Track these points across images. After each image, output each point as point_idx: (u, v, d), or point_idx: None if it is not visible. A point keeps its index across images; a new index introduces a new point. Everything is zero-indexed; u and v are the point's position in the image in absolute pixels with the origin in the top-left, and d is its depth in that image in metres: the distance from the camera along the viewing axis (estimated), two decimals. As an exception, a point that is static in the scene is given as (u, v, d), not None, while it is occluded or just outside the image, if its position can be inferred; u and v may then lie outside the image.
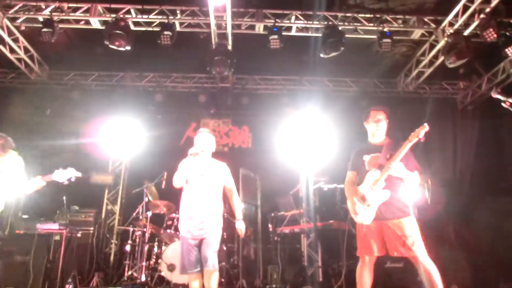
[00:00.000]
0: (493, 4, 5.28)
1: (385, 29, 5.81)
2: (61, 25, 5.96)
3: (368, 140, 3.73)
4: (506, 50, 5.69)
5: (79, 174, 3.75)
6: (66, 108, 7.15)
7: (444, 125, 7.59)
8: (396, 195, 3.40)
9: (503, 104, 3.11)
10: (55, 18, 5.82)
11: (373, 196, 3.38)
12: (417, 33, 6.24)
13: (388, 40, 5.76)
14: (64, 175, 3.66)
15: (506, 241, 5.71)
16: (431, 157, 7.17)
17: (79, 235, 6.20)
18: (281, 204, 6.35)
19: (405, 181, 3.43)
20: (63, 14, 5.95)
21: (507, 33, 5.64)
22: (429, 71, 6.86)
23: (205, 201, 3.79)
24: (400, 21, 6.10)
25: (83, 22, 6.10)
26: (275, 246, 6.01)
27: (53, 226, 6.04)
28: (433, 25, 6.04)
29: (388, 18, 6.03)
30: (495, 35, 5.39)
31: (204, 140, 3.97)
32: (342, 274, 4.90)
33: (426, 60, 6.68)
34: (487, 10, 5.38)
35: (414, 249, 3.23)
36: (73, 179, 3.70)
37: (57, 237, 6.01)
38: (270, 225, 6.23)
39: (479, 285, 5.31)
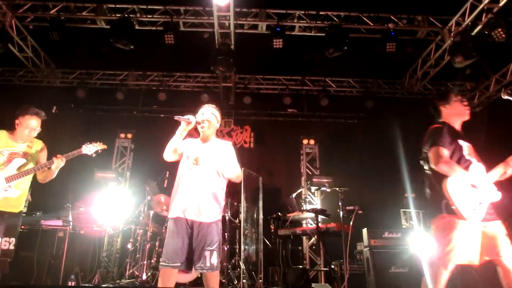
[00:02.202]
0: (502, 3, 5.17)
1: (390, 29, 5.74)
2: (67, 25, 6.05)
3: (449, 123, 3.01)
4: (515, 50, 5.60)
5: (105, 146, 3.77)
6: (71, 107, 7.22)
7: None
8: None
9: None
10: (62, 17, 5.93)
11: (485, 193, 2.80)
12: (422, 33, 6.14)
13: (393, 40, 5.69)
14: (92, 148, 3.66)
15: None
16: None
17: (82, 232, 6.27)
18: (283, 205, 6.30)
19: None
20: (70, 13, 6.04)
21: (516, 33, 5.54)
22: (434, 71, 6.73)
23: (201, 186, 3.07)
24: (405, 21, 6.02)
25: (89, 21, 6.19)
26: (276, 247, 5.97)
27: (57, 223, 6.13)
28: (439, 25, 5.94)
29: (393, 18, 5.96)
30: (503, 35, 5.27)
31: (206, 112, 3.23)
32: (345, 278, 4.81)
33: (431, 61, 6.56)
34: (495, 9, 5.27)
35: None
36: (99, 152, 3.71)
37: (61, 234, 6.09)
38: (272, 226, 6.18)
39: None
